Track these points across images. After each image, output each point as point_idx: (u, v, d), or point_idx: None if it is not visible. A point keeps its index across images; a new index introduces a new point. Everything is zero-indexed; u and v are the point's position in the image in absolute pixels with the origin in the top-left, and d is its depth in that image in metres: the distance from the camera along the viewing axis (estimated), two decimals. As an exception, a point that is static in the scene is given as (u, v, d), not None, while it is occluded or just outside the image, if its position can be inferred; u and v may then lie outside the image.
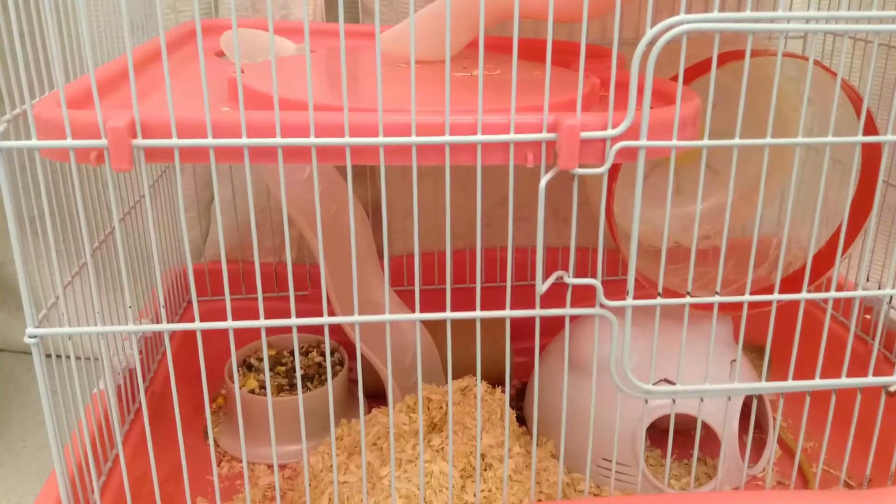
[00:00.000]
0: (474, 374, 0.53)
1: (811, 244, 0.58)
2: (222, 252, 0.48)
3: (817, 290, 0.73)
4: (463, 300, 0.59)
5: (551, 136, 0.47)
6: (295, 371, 0.85)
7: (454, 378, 0.76)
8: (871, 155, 0.69)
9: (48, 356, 0.52)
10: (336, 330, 0.82)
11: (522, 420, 0.84)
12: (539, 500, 0.67)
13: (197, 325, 0.50)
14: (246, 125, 0.45)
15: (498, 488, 0.64)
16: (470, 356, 0.53)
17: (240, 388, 0.76)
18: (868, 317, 0.79)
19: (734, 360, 0.73)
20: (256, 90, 0.52)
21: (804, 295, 0.55)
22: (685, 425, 0.74)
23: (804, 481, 0.76)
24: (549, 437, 0.77)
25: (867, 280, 0.82)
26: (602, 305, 0.52)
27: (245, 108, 0.46)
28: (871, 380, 0.58)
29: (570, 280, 0.51)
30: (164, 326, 0.51)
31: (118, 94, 0.53)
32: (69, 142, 0.45)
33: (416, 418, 0.71)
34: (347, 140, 0.46)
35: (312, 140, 0.46)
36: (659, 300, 0.53)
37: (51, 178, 0.54)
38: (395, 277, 0.95)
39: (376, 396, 0.82)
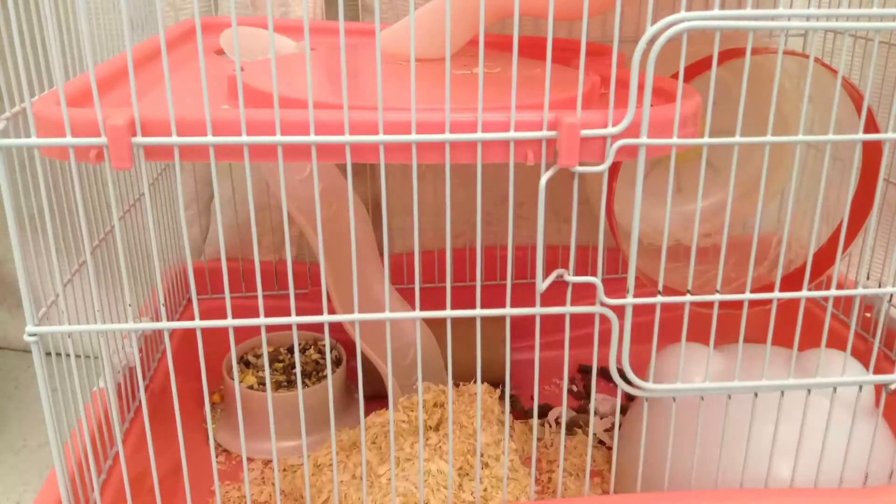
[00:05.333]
0: (475, 376, 0.53)
1: (811, 242, 0.58)
2: (222, 250, 0.48)
3: (818, 288, 0.73)
4: (463, 298, 0.59)
5: (551, 133, 0.47)
6: (291, 368, 0.85)
7: (455, 378, 0.76)
8: (872, 153, 0.69)
9: (48, 354, 0.52)
10: (335, 328, 0.82)
11: (516, 416, 0.85)
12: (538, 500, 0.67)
13: (197, 324, 0.50)
14: (246, 123, 0.45)
15: (493, 486, 0.64)
16: (471, 359, 0.54)
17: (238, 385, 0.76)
18: (868, 315, 0.79)
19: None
20: (256, 88, 0.52)
21: (805, 293, 0.55)
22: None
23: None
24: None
25: (867, 278, 0.82)
26: (602, 304, 0.52)
27: (245, 106, 0.46)
28: (871, 378, 0.58)
29: (571, 278, 0.51)
30: (164, 325, 0.51)
31: (118, 92, 0.53)
32: (69, 140, 0.45)
33: (413, 417, 0.71)
34: (347, 138, 0.46)
35: (312, 138, 0.46)
36: (659, 298, 0.53)
37: (50, 176, 0.54)
38: (395, 275, 0.95)
39: (375, 397, 0.81)
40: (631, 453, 0.67)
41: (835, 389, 0.58)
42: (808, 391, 0.57)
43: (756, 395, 0.57)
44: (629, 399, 0.84)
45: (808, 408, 0.57)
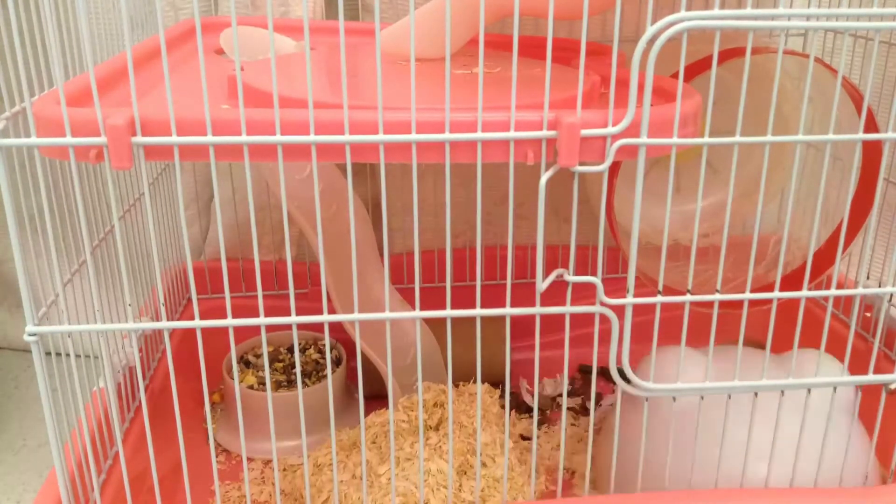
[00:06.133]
0: (475, 376, 0.53)
1: (811, 242, 0.58)
2: (222, 250, 0.48)
3: (818, 287, 0.73)
4: (463, 298, 0.59)
5: (552, 133, 0.47)
6: (291, 368, 0.85)
7: (455, 378, 0.76)
8: (872, 153, 0.69)
9: (48, 354, 0.52)
10: (335, 328, 0.82)
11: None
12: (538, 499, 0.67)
13: (197, 323, 0.50)
14: (246, 123, 0.45)
15: (490, 486, 0.64)
16: (471, 359, 0.53)
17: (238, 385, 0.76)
18: (868, 315, 0.79)
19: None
20: (256, 88, 0.52)
21: (805, 293, 0.55)
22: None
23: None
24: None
25: (867, 278, 0.82)
26: (602, 303, 0.52)
27: (245, 105, 0.46)
28: (871, 378, 0.58)
29: (571, 278, 0.51)
30: (164, 324, 0.51)
31: (118, 91, 0.53)
32: (69, 139, 0.45)
33: (413, 416, 0.71)
34: (347, 137, 0.46)
35: (312, 138, 0.46)
36: (659, 298, 0.53)
37: (50, 176, 0.54)
38: (395, 275, 0.95)
39: (375, 397, 0.81)
40: (605, 453, 0.66)
41: (809, 391, 0.58)
42: (782, 392, 0.57)
43: (756, 395, 0.57)
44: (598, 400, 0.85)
45: (782, 408, 0.58)
